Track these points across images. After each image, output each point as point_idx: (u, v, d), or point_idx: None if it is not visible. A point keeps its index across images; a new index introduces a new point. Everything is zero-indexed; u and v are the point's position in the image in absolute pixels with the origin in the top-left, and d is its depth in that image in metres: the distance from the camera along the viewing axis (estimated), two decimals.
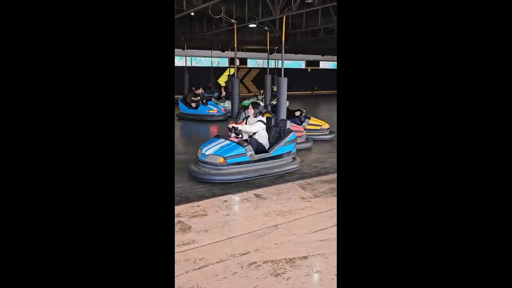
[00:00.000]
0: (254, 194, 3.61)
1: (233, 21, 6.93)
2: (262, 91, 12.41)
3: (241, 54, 19.79)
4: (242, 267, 2.23)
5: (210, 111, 9.43)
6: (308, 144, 6.49)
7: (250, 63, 21.66)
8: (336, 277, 2.13)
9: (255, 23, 7.94)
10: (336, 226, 2.86)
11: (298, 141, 6.20)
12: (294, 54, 20.59)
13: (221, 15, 6.64)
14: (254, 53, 19.34)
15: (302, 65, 23.30)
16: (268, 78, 7.26)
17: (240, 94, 19.79)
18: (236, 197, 3.58)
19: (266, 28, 7.17)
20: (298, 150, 6.04)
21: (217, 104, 10.03)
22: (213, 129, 8.63)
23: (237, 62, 20.86)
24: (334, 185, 3.95)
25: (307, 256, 2.37)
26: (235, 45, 6.65)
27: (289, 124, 6.05)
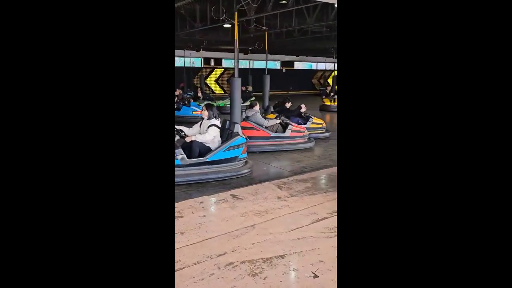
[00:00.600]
0: (231, 195, 3.60)
1: (233, 22, 6.42)
2: None
3: (216, 55, 19.70)
4: (219, 268, 2.21)
5: (194, 112, 9.28)
6: (311, 144, 6.34)
7: (225, 64, 21.58)
8: (312, 274, 2.16)
9: (229, 23, 7.77)
10: (312, 224, 2.91)
11: (299, 141, 6.24)
12: (269, 55, 20.73)
13: (223, 17, 6.34)
14: (229, 53, 19.29)
15: (277, 65, 23.48)
16: (267, 78, 7.01)
17: (215, 95, 19.71)
18: (212, 198, 3.55)
19: (264, 28, 6.93)
20: (300, 151, 6.08)
21: (199, 105, 9.96)
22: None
23: (212, 63, 20.73)
24: (310, 184, 4.00)
25: (284, 255, 2.39)
26: (236, 47, 6.31)
27: (289, 127, 6.05)
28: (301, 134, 6.28)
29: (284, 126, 6.22)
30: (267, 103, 7.42)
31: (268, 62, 9.52)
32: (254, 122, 6.05)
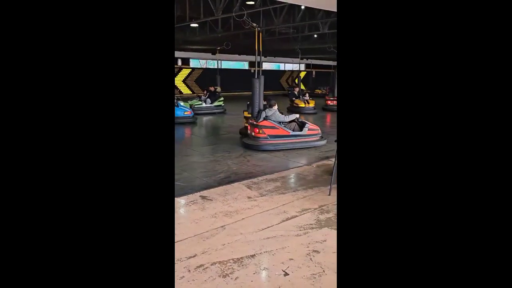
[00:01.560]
0: (200, 196, 3.56)
1: (254, 25, 6.86)
2: (205, 92, 12.30)
3: (183, 54, 19.40)
4: (189, 270, 2.19)
5: (185, 113, 9.32)
6: (323, 142, 6.68)
7: (193, 63, 21.32)
8: (283, 272, 2.18)
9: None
10: (282, 223, 2.94)
11: (314, 139, 6.60)
12: (237, 55, 20.71)
13: (244, 19, 6.54)
14: (197, 53, 19.09)
15: (245, 66, 23.52)
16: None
17: (183, 95, 19.41)
18: (181, 200, 3.50)
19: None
20: (315, 147, 6.49)
21: (185, 106, 9.84)
22: (187, 131, 8.55)
23: (179, 62, 20.42)
24: (280, 183, 4.05)
25: (254, 255, 2.40)
26: (256, 49, 6.76)
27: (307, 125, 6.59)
28: (316, 132, 6.67)
29: (300, 125, 6.57)
30: (261, 105, 7.10)
31: (236, 62, 9.54)
32: (274, 121, 6.36)
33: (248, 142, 6.45)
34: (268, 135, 6.22)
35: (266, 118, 6.35)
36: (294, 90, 14.65)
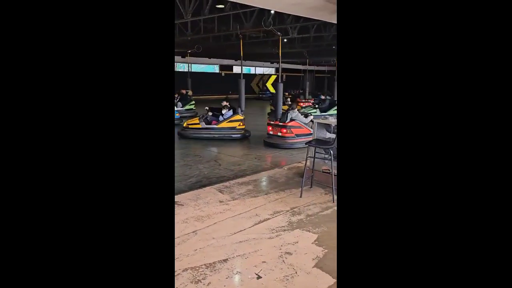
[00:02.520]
0: None
1: (278, 33, 7.69)
2: (176, 95, 12.11)
3: None
4: None
5: (177, 114, 9.58)
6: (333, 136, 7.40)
7: None
8: (255, 276, 2.18)
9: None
10: (254, 226, 2.94)
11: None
12: (207, 58, 20.58)
13: (271, 28, 7.49)
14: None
15: (216, 69, 23.42)
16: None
17: None
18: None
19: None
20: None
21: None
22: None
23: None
24: (251, 187, 4.05)
25: (227, 259, 2.38)
26: (280, 56, 8.15)
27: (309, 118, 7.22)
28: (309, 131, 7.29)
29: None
30: (243, 107, 8.14)
31: (207, 66, 9.65)
32: (299, 121, 7.08)
33: (273, 141, 7.04)
34: (296, 134, 6.95)
35: (292, 120, 7.02)
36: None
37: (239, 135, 7.90)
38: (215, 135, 7.88)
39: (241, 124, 8.01)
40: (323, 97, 13.13)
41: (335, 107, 11.67)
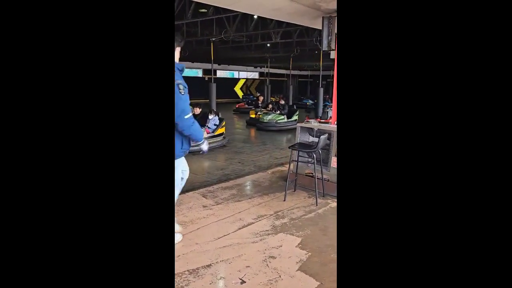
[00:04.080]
0: None
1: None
2: None
3: None
4: None
5: None
6: None
7: None
8: (239, 280, 2.17)
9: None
10: (238, 231, 2.93)
11: None
12: (190, 63, 20.48)
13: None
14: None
15: (199, 73, 23.32)
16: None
17: None
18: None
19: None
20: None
21: None
22: None
23: None
24: (235, 191, 4.03)
25: (210, 264, 2.35)
26: (321, 64, 9.47)
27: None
28: None
29: None
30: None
31: (189, 70, 9.65)
32: None
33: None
34: None
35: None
36: (258, 99, 13.89)
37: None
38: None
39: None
40: (282, 102, 11.64)
41: (297, 113, 11.40)
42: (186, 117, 2.31)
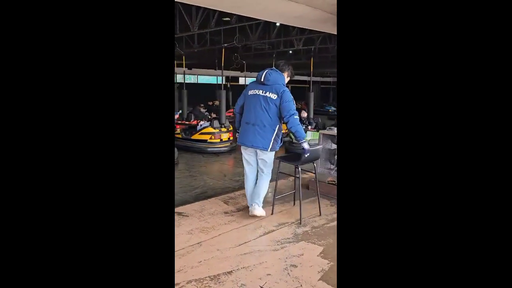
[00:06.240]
0: (176, 212, 3.49)
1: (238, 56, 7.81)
2: (205, 110, 12.00)
3: None
4: None
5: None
6: None
7: (176, 78, 21.17)
8: None
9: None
10: (259, 238, 2.92)
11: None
12: (213, 70, 20.75)
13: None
14: (178, 68, 18.98)
15: (222, 80, 23.56)
16: (223, 94, 7.82)
17: None
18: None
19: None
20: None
21: None
22: None
23: None
24: None
25: (231, 271, 2.36)
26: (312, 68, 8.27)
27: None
28: None
29: None
30: (223, 119, 8.19)
31: (211, 77, 9.83)
32: None
33: None
34: None
35: None
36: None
37: (214, 149, 7.50)
38: (190, 147, 7.60)
39: (213, 137, 7.61)
40: (305, 114, 11.06)
41: None
42: (295, 117, 3.08)
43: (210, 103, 12.18)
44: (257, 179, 3.39)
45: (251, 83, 3.42)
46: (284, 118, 3.09)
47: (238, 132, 3.46)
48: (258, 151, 3.26)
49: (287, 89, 3.17)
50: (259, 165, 3.33)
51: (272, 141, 3.18)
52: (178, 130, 7.99)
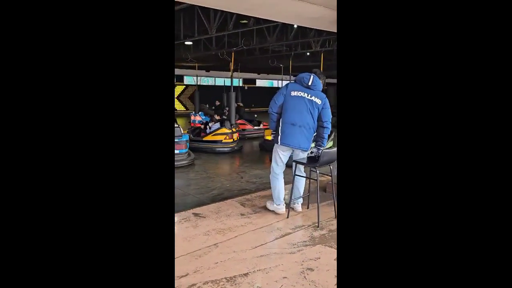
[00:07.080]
0: (193, 213, 3.52)
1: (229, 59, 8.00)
2: (226, 109, 12.12)
3: (177, 71, 19.52)
4: None
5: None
6: None
7: (187, 80, 21.45)
8: None
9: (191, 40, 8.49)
10: (275, 240, 2.91)
11: None
12: (227, 72, 20.89)
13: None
14: (190, 70, 19.22)
15: (239, 82, 23.72)
16: (233, 95, 8.01)
17: (177, 111, 19.39)
18: (174, 217, 3.45)
19: (229, 59, 8.01)
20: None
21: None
22: None
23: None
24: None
25: (247, 273, 2.36)
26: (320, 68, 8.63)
27: None
28: None
29: None
30: (233, 120, 8.39)
31: (230, 79, 9.80)
32: None
33: None
34: None
35: None
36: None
37: (227, 149, 7.80)
38: (202, 147, 7.89)
39: (228, 137, 7.91)
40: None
41: None
42: (331, 122, 3.39)
43: (218, 103, 12.36)
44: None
45: (290, 83, 3.45)
46: (324, 123, 3.36)
47: (273, 133, 3.51)
48: (296, 151, 3.47)
49: (325, 97, 3.44)
50: (297, 166, 3.52)
51: (311, 142, 3.43)
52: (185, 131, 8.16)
